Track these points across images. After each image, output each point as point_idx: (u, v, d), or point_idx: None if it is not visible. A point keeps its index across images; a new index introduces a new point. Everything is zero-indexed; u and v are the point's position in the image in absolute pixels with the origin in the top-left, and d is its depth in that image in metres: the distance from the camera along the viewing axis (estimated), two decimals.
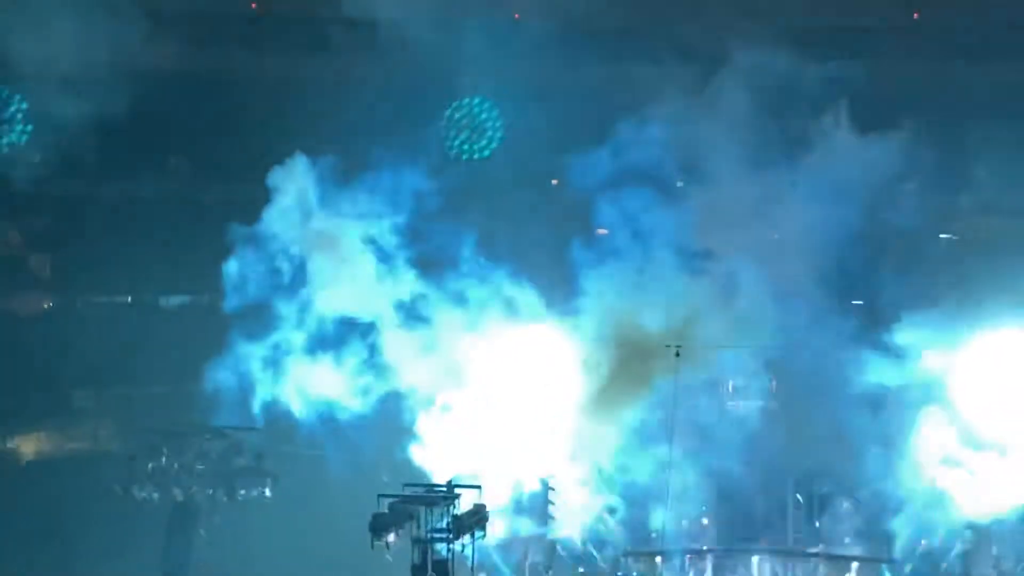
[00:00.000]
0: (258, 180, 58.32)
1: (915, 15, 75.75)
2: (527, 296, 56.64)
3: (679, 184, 57.65)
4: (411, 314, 56.66)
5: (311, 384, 56.31)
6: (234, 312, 56.98)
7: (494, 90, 74.39)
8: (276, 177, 57.24)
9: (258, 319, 57.30)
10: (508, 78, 70.63)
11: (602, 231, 65.30)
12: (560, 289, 57.47)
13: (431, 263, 57.33)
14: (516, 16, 74.80)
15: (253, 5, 78.78)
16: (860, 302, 59.81)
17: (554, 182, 72.63)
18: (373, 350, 56.90)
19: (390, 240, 56.90)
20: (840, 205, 55.86)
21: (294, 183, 56.92)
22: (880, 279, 57.70)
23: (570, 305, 57.24)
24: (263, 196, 57.48)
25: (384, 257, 56.81)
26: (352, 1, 67.27)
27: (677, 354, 57.30)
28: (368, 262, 56.65)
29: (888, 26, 73.42)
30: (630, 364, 56.22)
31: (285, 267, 56.55)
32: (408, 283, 56.95)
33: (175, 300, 74.98)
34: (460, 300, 56.44)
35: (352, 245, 56.76)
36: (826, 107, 56.59)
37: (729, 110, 56.22)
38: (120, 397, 67.44)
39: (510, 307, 56.77)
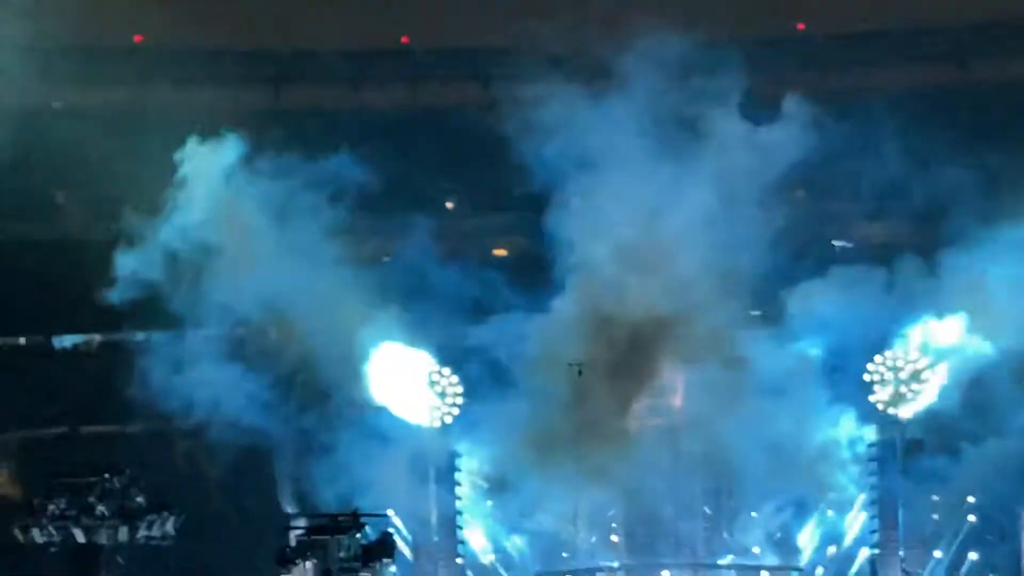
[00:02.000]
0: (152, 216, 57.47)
1: (800, 27, 76.59)
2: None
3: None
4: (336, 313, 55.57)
5: (220, 397, 55.39)
6: (123, 302, 55.43)
7: None
8: (185, 155, 55.27)
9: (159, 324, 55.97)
10: None
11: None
12: None
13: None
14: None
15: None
16: (757, 312, 60.16)
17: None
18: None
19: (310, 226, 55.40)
20: (732, 205, 56.06)
21: (204, 163, 54.95)
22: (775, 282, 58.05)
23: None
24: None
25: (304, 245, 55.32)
26: None
27: (580, 372, 57.35)
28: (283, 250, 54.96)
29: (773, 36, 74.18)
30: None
31: (184, 254, 54.76)
32: (332, 277, 55.36)
33: (69, 340, 73.89)
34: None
35: (265, 230, 55.02)
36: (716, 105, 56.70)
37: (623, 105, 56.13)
38: (16, 440, 66.27)
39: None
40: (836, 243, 66.91)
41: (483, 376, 56.98)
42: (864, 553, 57.30)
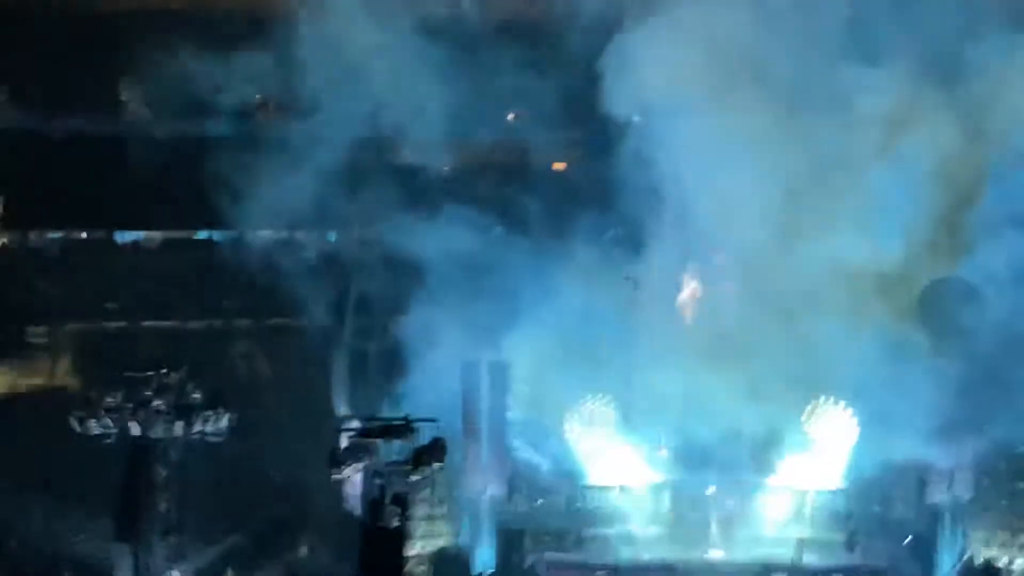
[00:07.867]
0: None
1: None
2: None
3: None
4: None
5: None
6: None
7: None
8: None
9: None
10: None
11: None
12: None
13: None
14: None
15: None
16: None
17: None
18: None
19: None
20: None
21: None
22: None
23: None
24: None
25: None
26: None
27: (635, 286, 57.70)
28: None
29: None
30: None
31: None
32: None
33: (131, 236, 74.44)
34: None
35: None
36: None
37: None
38: (75, 333, 67.05)
39: None
40: None
41: (534, 284, 57.25)
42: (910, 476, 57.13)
